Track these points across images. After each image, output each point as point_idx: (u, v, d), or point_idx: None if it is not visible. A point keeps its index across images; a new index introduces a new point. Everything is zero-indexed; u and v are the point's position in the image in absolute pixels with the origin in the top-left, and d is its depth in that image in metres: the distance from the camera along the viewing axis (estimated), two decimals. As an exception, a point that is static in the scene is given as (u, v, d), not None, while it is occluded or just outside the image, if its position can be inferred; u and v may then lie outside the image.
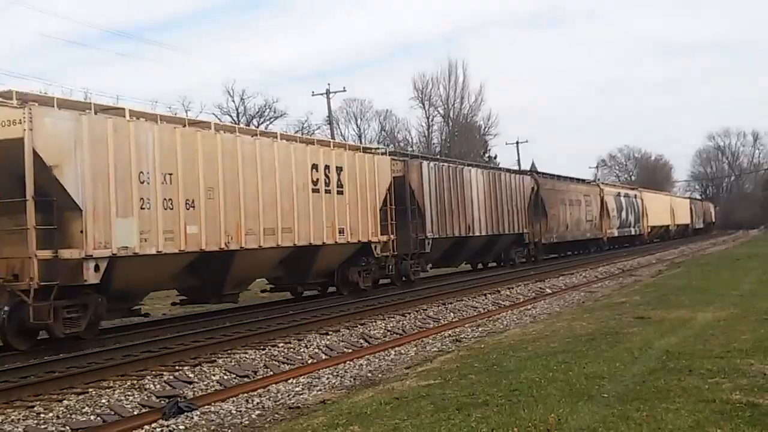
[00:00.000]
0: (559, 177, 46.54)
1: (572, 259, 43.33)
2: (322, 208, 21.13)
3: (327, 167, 21.56)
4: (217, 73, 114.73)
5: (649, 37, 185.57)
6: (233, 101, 64.87)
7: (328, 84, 59.67)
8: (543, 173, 44.78)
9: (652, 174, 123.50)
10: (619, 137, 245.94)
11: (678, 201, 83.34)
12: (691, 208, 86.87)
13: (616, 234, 53.77)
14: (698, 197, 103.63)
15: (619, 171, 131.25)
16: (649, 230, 64.07)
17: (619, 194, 56.62)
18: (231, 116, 62.86)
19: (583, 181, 53.20)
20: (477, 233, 31.45)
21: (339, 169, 22.17)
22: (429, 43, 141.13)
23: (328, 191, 21.47)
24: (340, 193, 22.06)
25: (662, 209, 70.30)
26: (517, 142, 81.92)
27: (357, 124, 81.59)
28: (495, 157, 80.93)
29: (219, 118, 56.57)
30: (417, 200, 26.87)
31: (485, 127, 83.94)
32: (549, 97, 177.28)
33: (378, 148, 25.63)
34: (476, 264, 37.09)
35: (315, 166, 21.05)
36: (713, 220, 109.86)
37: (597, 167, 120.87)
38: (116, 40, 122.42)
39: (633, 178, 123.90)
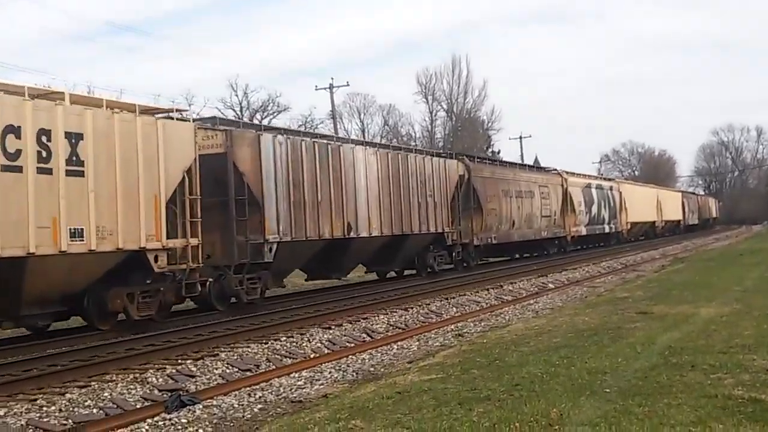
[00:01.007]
0: (501, 163, 39.51)
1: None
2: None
3: (47, 134, 13.88)
4: (220, 68, 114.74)
5: (654, 33, 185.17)
6: (236, 95, 64.89)
7: (332, 79, 59.46)
8: (479, 157, 36.52)
9: (655, 169, 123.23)
10: (623, 133, 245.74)
11: (666, 194, 74.26)
12: (683, 203, 79.76)
13: (584, 232, 46.10)
14: (692, 191, 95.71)
15: (622, 166, 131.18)
16: (629, 227, 56.54)
17: (589, 186, 48.37)
18: (234, 110, 62.88)
19: (540, 168, 45.80)
20: (365, 234, 23.51)
21: (73, 137, 14.34)
22: (433, 38, 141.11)
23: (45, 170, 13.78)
24: (74, 174, 14.30)
25: (646, 203, 62.57)
26: (521, 137, 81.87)
27: (360, 119, 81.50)
28: (498, 152, 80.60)
29: (222, 113, 56.57)
30: (251, 188, 19.20)
31: (488, 122, 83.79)
32: (553, 92, 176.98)
33: (172, 110, 17.38)
34: (384, 273, 28.92)
35: (44, 134, 13.80)
36: (714, 216, 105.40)
37: (600, 162, 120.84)
38: (120, 34, 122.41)
39: (636, 173, 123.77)
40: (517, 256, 40.02)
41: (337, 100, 64.30)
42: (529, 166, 43.77)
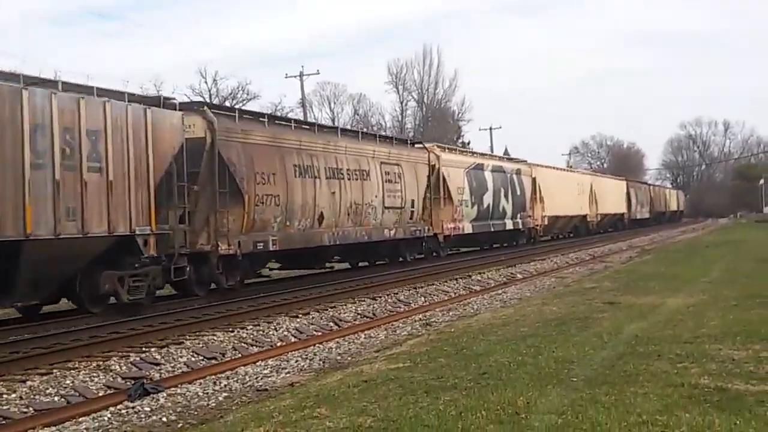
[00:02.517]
0: (297, 123, 24.35)
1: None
2: None
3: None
4: (190, 55, 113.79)
5: (625, 26, 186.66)
6: (206, 83, 64.37)
7: (302, 67, 59.40)
8: (244, 112, 21.97)
9: (624, 162, 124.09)
10: (593, 125, 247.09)
11: (604, 183, 63.22)
12: (628, 193, 68.93)
13: (468, 229, 33.45)
14: (642, 181, 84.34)
15: (591, 158, 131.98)
16: (545, 223, 44.53)
17: (478, 167, 35.43)
18: (203, 97, 62.37)
19: (388, 139, 29.99)
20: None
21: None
22: (405, 27, 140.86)
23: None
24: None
25: (572, 193, 50.82)
26: (491, 128, 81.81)
27: (330, 108, 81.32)
28: (468, 143, 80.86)
29: (191, 100, 56.07)
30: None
31: (459, 113, 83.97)
32: (524, 84, 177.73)
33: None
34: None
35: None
36: (674, 209, 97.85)
37: (570, 154, 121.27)
38: (89, 19, 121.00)
39: (605, 165, 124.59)
40: (333, 268, 25.82)
41: (308, 88, 64.23)
42: (364, 133, 28.75)
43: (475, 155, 38.38)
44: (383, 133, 38.05)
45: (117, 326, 14.63)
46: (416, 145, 30.81)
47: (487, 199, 35.84)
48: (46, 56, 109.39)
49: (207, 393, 9.98)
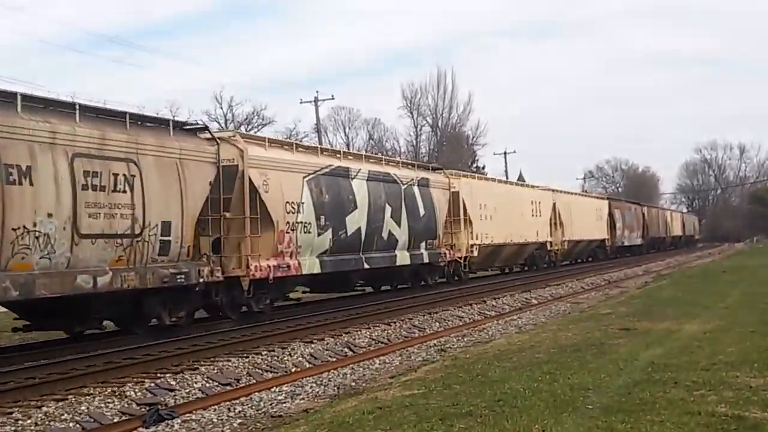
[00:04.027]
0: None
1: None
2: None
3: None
4: (205, 80, 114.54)
5: (639, 49, 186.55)
6: (221, 108, 64.80)
7: (317, 92, 59.31)
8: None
9: (639, 186, 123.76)
10: (607, 149, 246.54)
11: (575, 202, 49.42)
12: (611, 215, 56.09)
13: (311, 267, 21.04)
14: (633, 201, 69.58)
15: (606, 183, 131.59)
16: (474, 254, 32.04)
17: (335, 172, 22.71)
18: (219, 123, 62.75)
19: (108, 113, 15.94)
20: None
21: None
22: (418, 52, 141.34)
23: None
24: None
25: (522, 214, 38.66)
26: (505, 153, 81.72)
27: (345, 133, 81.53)
28: (483, 168, 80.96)
29: (207, 125, 56.36)
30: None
31: (473, 137, 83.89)
32: (538, 107, 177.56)
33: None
34: None
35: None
36: (680, 234, 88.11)
37: (584, 179, 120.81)
38: (106, 45, 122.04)
39: (620, 189, 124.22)
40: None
41: (322, 113, 64.14)
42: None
43: (326, 153, 23.80)
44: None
45: (132, 352, 14.66)
46: (193, 129, 18.23)
47: (356, 221, 23.04)
48: (59, 82, 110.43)
49: (222, 419, 9.98)
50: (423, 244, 27.55)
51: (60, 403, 10.72)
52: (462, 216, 31.35)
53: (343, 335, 17.28)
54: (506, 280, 35.05)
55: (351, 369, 13.56)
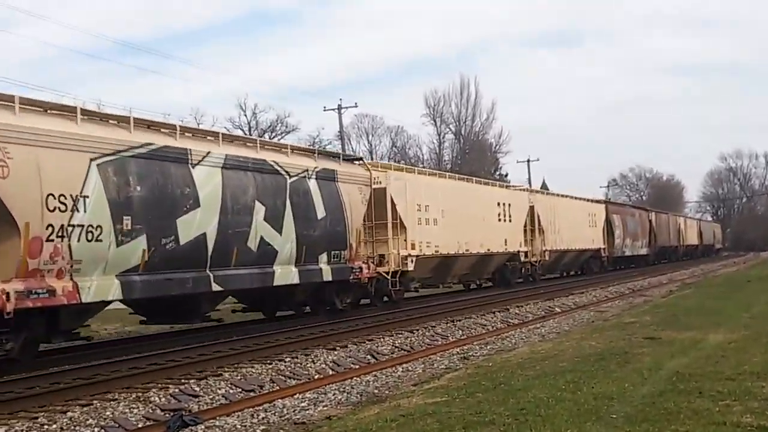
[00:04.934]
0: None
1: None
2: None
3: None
4: (229, 87, 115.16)
5: (663, 56, 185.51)
6: (245, 115, 65.20)
7: (340, 99, 59.48)
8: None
9: (663, 194, 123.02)
10: (631, 157, 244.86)
11: (559, 204, 41.75)
12: (609, 221, 49.49)
13: (107, 293, 14.17)
14: (638, 206, 66.77)
15: (630, 191, 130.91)
16: (408, 267, 25.52)
17: (159, 154, 15.37)
18: (243, 130, 63.12)
19: None
20: None
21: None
22: (441, 59, 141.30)
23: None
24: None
25: (484, 218, 31.74)
26: (528, 161, 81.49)
27: (368, 140, 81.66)
28: (506, 175, 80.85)
29: (231, 132, 56.75)
30: None
31: (496, 145, 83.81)
32: (561, 115, 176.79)
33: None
34: None
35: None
36: (697, 243, 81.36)
37: (608, 187, 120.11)
38: (131, 53, 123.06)
39: (644, 198, 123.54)
40: None
41: (346, 121, 64.53)
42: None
43: (144, 126, 15.87)
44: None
45: (156, 358, 14.76)
46: None
47: (196, 225, 16.23)
48: (84, 90, 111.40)
49: (245, 426, 10.01)
50: (324, 257, 20.51)
51: (85, 408, 10.80)
52: (390, 219, 24.93)
53: (366, 342, 17.30)
54: (529, 289, 34.81)
55: (374, 376, 13.57)
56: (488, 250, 31.73)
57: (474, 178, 36.12)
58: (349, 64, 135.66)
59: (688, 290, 31.33)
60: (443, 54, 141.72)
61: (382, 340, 17.78)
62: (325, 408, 10.90)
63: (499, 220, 33.44)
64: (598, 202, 50.96)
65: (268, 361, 14.51)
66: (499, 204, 33.66)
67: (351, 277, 21.79)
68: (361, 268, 22.14)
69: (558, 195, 44.82)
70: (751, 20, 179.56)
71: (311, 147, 25.26)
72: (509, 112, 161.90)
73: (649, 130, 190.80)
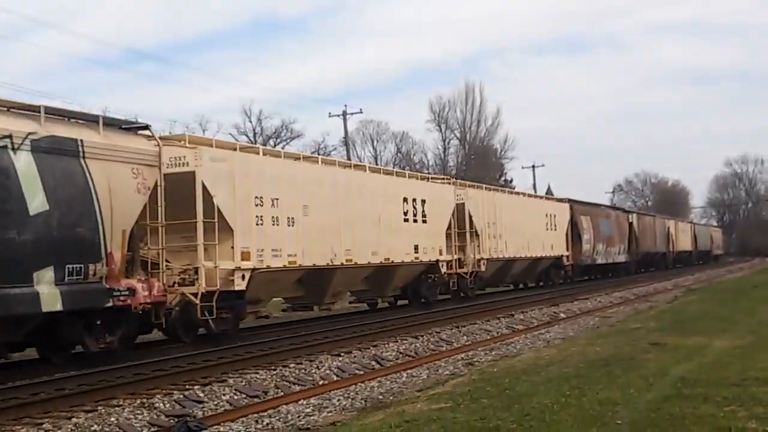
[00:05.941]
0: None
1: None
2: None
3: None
4: (234, 94, 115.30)
5: (669, 63, 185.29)
6: (250, 121, 65.27)
7: (345, 105, 59.45)
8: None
9: (668, 200, 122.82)
10: (637, 162, 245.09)
11: (506, 202, 35.00)
12: (575, 223, 42.66)
13: None
14: (615, 207, 62.61)
15: (635, 196, 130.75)
16: (231, 288, 17.72)
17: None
18: (248, 136, 63.23)
19: None
20: None
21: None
22: (446, 66, 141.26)
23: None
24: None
25: (348, 218, 22.19)
26: (533, 166, 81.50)
27: (373, 146, 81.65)
28: (511, 181, 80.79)
29: (236, 138, 56.86)
30: None
31: (502, 151, 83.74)
32: (567, 121, 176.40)
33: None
34: None
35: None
36: (690, 249, 74.92)
37: (613, 192, 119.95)
38: (137, 60, 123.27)
39: (649, 203, 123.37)
40: None
41: (351, 127, 64.26)
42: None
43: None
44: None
45: (161, 364, 14.76)
46: None
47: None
48: (91, 97, 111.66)
49: (249, 431, 10.01)
50: (47, 274, 12.94)
51: (90, 414, 10.80)
52: (202, 218, 17.07)
53: (371, 348, 17.28)
54: (532, 294, 34.68)
55: (378, 382, 13.55)
56: (387, 259, 24.26)
57: (367, 165, 29.72)
58: (354, 71, 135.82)
59: (693, 296, 31.28)
60: (449, 61, 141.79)
61: (386, 345, 17.76)
62: (329, 414, 10.89)
63: (406, 220, 25.74)
64: (560, 200, 43.39)
65: (273, 367, 14.49)
66: (406, 200, 25.90)
67: (111, 304, 14.21)
68: (132, 289, 14.58)
69: (501, 190, 38.71)
70: (757, 25, 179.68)
71: (34, 104, 13.75)
72: (515, 118, 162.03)
73: (654, 136, 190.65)
